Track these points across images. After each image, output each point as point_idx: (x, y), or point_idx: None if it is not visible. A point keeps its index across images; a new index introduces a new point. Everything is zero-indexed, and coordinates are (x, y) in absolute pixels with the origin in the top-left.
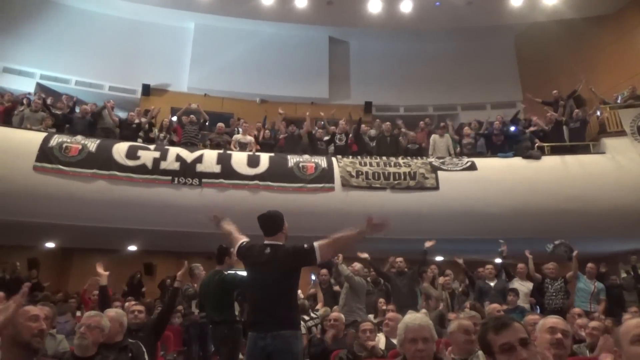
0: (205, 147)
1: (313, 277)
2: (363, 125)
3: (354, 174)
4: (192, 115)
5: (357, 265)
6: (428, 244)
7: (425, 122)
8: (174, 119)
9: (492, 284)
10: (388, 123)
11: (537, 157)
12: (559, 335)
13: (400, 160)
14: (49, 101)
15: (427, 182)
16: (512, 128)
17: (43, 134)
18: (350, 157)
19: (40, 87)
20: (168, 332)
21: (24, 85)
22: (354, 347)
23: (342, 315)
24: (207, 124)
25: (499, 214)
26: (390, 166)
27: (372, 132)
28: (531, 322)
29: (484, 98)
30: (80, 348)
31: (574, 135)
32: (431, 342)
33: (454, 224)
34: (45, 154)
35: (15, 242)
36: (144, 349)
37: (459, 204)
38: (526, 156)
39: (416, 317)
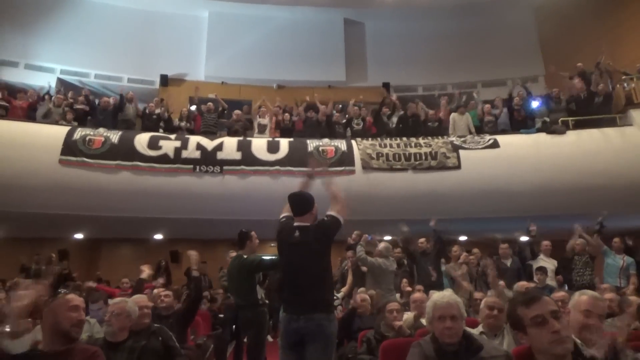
0: (228, 134)
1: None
2: (384, 108)
3: (374, 156)
4: (210, 104)
5: (381, 246)
6: (432, 223)
7: (446, 99)
8: (193, 108)
9: (507, 263)
10: (412, 104)
11: (562, 132)
12: (594, 321)
13: (421, 140)
14: (69, 95)
15: (448, 161)
16: (536, 103)
17: (66, 128)
18: (370, 139)
19: (60, 82)
20: (197, 317)
21: (46, 81)
22: (380, 328)
23: (368, 296)
24: (225, 112)
25: (522, 191)
26: (410, 147)
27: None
28: (560, 299)
29: (504, 74)
30: (109, 334)
31: (600, 108)
32: (460, 319)
33: (476, 203)
34: (70, 147)
35: (46, 234)
36: (171, 333)
37: (482, 183)
38: (550, 131)
39: (444, 295)
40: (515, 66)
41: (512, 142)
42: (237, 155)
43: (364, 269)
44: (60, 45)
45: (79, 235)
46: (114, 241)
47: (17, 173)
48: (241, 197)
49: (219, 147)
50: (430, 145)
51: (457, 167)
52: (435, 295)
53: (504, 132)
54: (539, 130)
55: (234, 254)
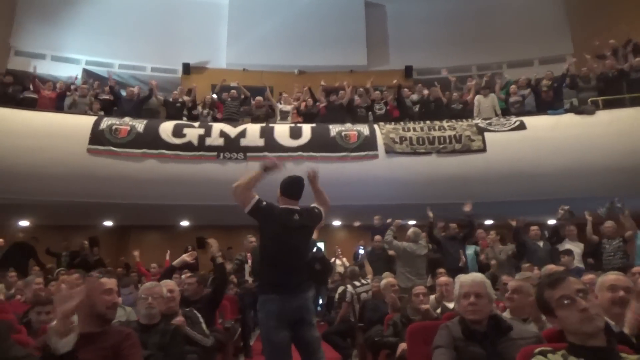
0: (251, 121)
1: (361, 251)
2: (405, 90)
3: (397, 140)
4: (232, 91)
5: (409, 231)
6: (467, 207)
7: (472, 82)
8: (215, 96)
9: (540, 244)
10: (435, 88)
11: (591, 112)
12: (622, 293)
13: (445, 123)
14: (95, 86)
15: (473, 144)
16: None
17: (93, 118)
18: (393, 123)
19: (86, 73)
20: (224, 302)
21: (72, 72)
22: (407, 311)
23: (395, 280)
24: (247, 99)
25: (550, 174)
26: (434, 130)
27: (414, 96)
28: (587, 282)
29: (530, 54)
30: (149, 317)
31: (634, 87)
32: (485, 298)
33: (502, 186)
34: (97, 136)
35: (76, 222)
36: (199, 316)
37: (508, 166)
38: (579, 112)
39: (471, 274)
40: (542, 45)
41: (539, 124)
42: (260, 142)
43: (392, 252)
44: (85, 37)
45: (108, 223)
46: (142, 228)
47: (47, 162)
48: (264, 183)
49: (242, 133)
50: (454, 128)
51: (483, 150)
52: (463, 275)
53: (530, 113)
54: (567, 111)
55: (253, 239)
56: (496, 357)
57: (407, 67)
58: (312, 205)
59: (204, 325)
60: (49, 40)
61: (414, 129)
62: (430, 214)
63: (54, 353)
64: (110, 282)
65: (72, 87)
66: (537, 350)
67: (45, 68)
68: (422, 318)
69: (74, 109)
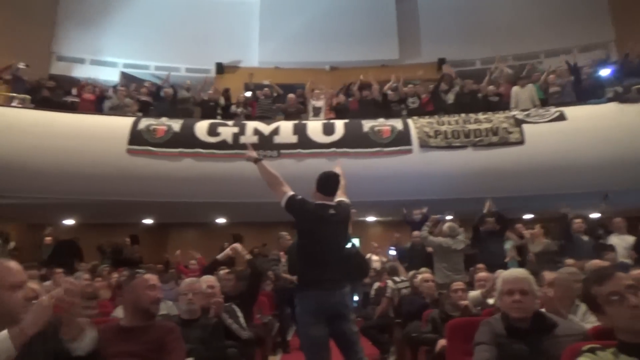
0: (284, 118)
1: (392, 252)
2: (443, 84)
3: (432, 134)
4: (266, 89)
5: (445, 225)
6: (486, 207)
7: (506, 72)
8: (248, 94)
9: (585, 238)
10: (470, 80)
11: (636, 101)
12: None
13: (481, 116)
14: (133, 87)
15: (511, 136)
16: (607, 72)
17: (132, 119)
18: (427, 117)
19: (123, 76)
20: (262, 297)
21: (110, 75)
22: (445, 307)
23: (431, 275)
24: (279, 96)
25: (592, 165)
26: (470, 123)
27: (456, 88)
28: (636, 277)
29: (569, 41)
30: (189, 312)
31: None
32: (530, 295)
33: (542, 179)
34: (136, 136)
35: (117, 220)
36: (238, 311)
37: (548, 158)
38: (623, 100)
39: (514, 270)
40: (582, 32)
41: (580, 114)
42: (294, 139)
43: (430, 249)
44: (122, 40)
45: (148, 221)
46: (180, 225)
47: (88, 163)
48: (298, 180)
49: (276, 131)
50: (491, 121)
51: (521, 142)
52: (505, 271)
53: (570, 103)
54: (610, 100)
55: (288, 237)
56: (540, 355)
57: (440, 59)
58: (339, 199)
59: (242, 320)
60: (88, 45)
61: (449, 123)
62: (487, 205)
63: (72, 355)
64: (153, 278)
65: (112, 89)
66: (586, 347)
67: (85, 72)
68: (462, 314)
69: (114, 110)
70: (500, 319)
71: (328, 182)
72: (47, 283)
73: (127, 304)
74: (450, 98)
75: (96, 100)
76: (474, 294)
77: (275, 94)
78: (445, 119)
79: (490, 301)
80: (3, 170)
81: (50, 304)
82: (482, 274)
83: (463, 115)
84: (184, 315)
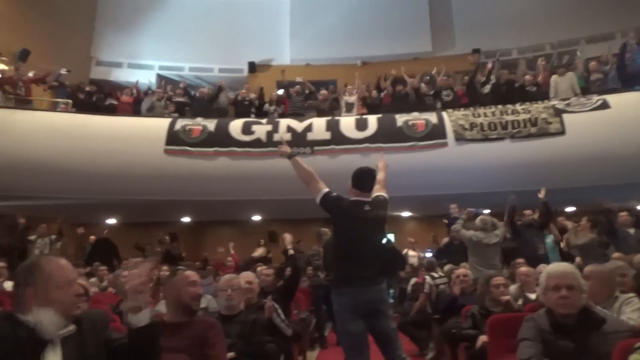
0: (317, 114)
1: (428, 255)
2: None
3: (467, 126)
4: (297, 86)
5: (477, 219)
6: (542, 194)
7: (544, 61)
8: (281, 92)
9: (631, 232)
10: (506, 70)
11: None
12: None
13: (519, 106)
14: (168, 89)
15: (550, 127)
16: None
17: (168, 120)
18: (462, 109)
19: (159, 77)
20: (299, 294)
21: (146, 77)
22: (485, 303)
23: (469, 271)
24: (311, 94)
25: (638, 155)
26: (507, 114)
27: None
28: None
29: (612, 26)
30: (229, 308)
31: None
32: (577, 290)
33: (584, 170)
34: (173, 137)
35: (157, 218)
36: (277, 307)
37: (590, 148)
38: None
39: (560, 265)
40: (626, 15)
41: (624, 102)
42: (327, 135)
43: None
44: (157, 43)
45: (186, 219)
46: (217, 223)
47: (128, 164)
48: (332, 176)
49: (309, 128)
50: (529, 111)
51: (561, 132)
52: (550, 266)
53: (614, 90)
54: None
55: (328, 232)
56: (587, 351)
57: (475, 50)
58: (376, 194)
59: (282, 316)
60: (125, 49)
61: (485, 114)
62: (513, 199)
63: (132, 328)
64: (193, 275)
65: (149, 91)
66: (638, 344)
67: (123, 75)
68: (504, 310)
69: (151, 111)
70: (544, 315)
71: (363, 178)
72: (93, 280)
73: (169, 300)
74: (486, 89)
75: (134, 102)
76: (515, 289)
77: (307, 91)
78: (481, 110)
79: (532, 296)
80: (49, 173)
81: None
82: (523, 269)
83: (500, 106)
84: (224, 311)
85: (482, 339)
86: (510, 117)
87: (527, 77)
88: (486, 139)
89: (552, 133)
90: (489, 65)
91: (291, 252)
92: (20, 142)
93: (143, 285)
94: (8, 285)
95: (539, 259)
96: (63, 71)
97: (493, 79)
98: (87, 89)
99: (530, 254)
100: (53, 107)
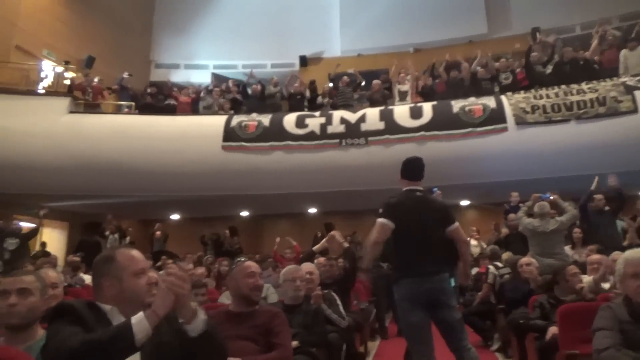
0: (370, 105)
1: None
2: (534, 54)
3: (528, 109)
4: (344, 77)
5: (535, 206)
6: (612, 181)
7: (611, 35)
8: (332, 84)
9: None
10: (569, 48)
11: None
12: None
13: (584, 85)
14: (223, 87)
15: (621, 105)
16: None
17: (224, 117)
18: (523, 92)
19: (214, 76)
20: (359, 284)
21: (203, 77)
22: (555, 292)
23: (534, 260)
24: (362, 84)
25: None
26: (572, 94)
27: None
28: None
29: None
30: (294, 298)
31: None
32: None
33: None
34: (229, 133)
35: (217, 213)
36: (337, 298)
37: None
38: None
39: (638, 251)
40: None
41: None
42: (381, 125)
43: None
44: (211, 44)
45: (244, 213)
46: (274, 217)
47: (187, 161)
48: (387, 167)
49: (362, 118)
50: (596, 90)
51: (633, 111)
52: (628, 252)
53: None
54: None
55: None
56: None
57: (534, 29)
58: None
59: (341, 308)
60: (182, 51)
61: (548, 96)
62: (595, 183)
63: (189, 338)
64: (252, 266)
65: (205, 90)
66: None
67: (181, 76)
68: (576, 298)
69: (208, 110)
70: (622, 304)
71: (412, 168)
72: (161, 272)
73: (231, 291)
74: (548, 69)
75: (192, 102)
76: (588, 278)
77: (357, 81)
78: (544, 92)
79: (606, 285)
80: (116, 172)
81: (176, 286)
82: (595, 257)
83: (563, 86)
84: (288, 301)
85: (553, 330)
86: (575, 98)
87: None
88: (550, 122)
89: (622, 112)
90: (551, 39)
91: (345, 244)
92: (90, 144)
93: (185, 295)
94: (86, 278)
95: (613, 246)
96: (126, 75)
97: (556, 57)
98: (148, 91)
99: (603, 241)
100: (118, 110)
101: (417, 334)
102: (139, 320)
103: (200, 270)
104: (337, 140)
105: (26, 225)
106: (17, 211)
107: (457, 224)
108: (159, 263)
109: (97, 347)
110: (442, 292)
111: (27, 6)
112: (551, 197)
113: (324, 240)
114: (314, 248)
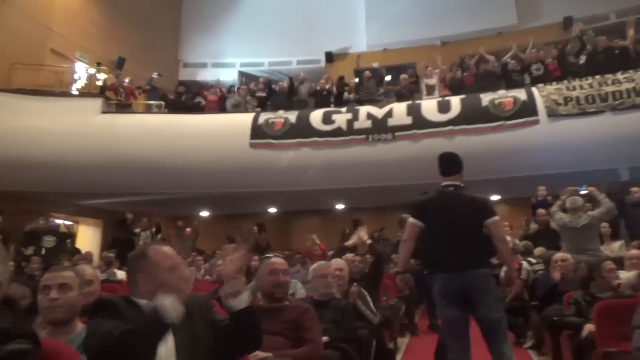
0: (397, 99)
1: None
2: (568, 47)
3: (561, 101)
4: (367, 72)
5: (567, 199)
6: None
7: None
8: (358, 79)
9: None
10: (603, 37)
11: None
12: None
13: (620, 75)
14: (251, 85)
15: None
16: None
17: (252, 114)
18: (555, 83)
19: (241, 74)
20: (387, 280)
21: (229, 75)
22: (590, 288)
23: (569, 255)
24: (386, 78)
25: None
26: (607, 85)
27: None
28: None
29: None
30: (325, 294)
31: None
32: None
33: None
34: (257, 131)
35: (245, 210)
36: (366, 294)
37: None
38: None
39: None
40: None
41: None
42: (408, 120)
43: (554, 225)
44: (237, 42)
45: (272, 209)
46: (302, 213)
47: (216, 158)
48: (415, 162)
49: (389, 113)
50: (632, 80)
51: None
52: None
53: None
54: None
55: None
56: None
57: (566, 18)
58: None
59: (371, 304)
60: (209, 50)
61: (581, 87)
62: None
63: (232, 311)
64: (276, 263)
65: (232, 88)
66: None
67: (208, 75)
68: (615, 295)
69: (236, 108)
70: None
71: (443, 162)
72: (192, 268)
73: (259, 287)
74: (581, 59)
75: (219, 100)
76: (628, 274)
77: (381, 76)
78: (577, 83)
79: None
80: (146, 170)
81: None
82: (634, 252)
83: (598, 77)
84: (318, 297)
85: (589, 327)
86: (610, 88)
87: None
88: (583, 113)
89: None
90: (577, 29)
91: (369, 240)
92: (122, 143)
93: (238, 270)
94: (119, 273)
95: None
96: (155, 75)
97: (589, 47)
98: (177, 90)
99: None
100: (147, 110)
101: (450, 330)
102: (164, 297)
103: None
104: (364, 136)
105: (63, 222)
106: (53, 209)
107: (495, 217)
108: (189, 259)
109: (135, 335)
110: (474, 289)
111: (61, 11)
112: (587, 190)
113: (363, 232)
114: (346, 243)
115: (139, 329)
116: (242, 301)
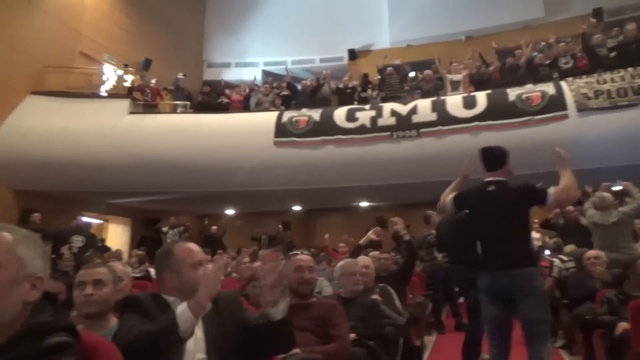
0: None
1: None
2: (597, 36)
3: (591, 95)
4: (389, 68)
5: (596, 196)
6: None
7: None
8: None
9: None
10: (634, 25)
11: None
12: None
13: None
14: (275, 84)
15: None
16: None
17: (276, 113)
18: (584, 76)
19: (264, 73)
20: (414, 278)
21: (252, 75)
22: (624, 287)
23: (602, 253)
24: (409, 75)
25: None
26: (639, 77)
27: (610, 42)
28: None
29: None
30: (353, 292)
31: None
32: None
33: None
34: (281, 129)
35: (270, 208)
36: (393, 292)
37: None
38: None
39: None
40: None
41: None
42: (433, 116)
43: (584, 221)
44: (260, 41)
45: (296, 207)
46: (326, 211)
47: (240, 157)
48: (440, 158)
49: (414, 110)
50: None
51: None
52: None
53: None
54: None
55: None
56: None
57: (595, 9)
58: (539, 184)
59: (397, 302)
60: (232, 50)
61: (613, 80)
62: None
63: (271, 320)
64: (302, 260)
65: (256, 87)
66: None
67: (232, 74)
68: None
69: (259, 106)
70: None
71: (482, 157)
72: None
73: (289, 284)
74: (610, 51)
75: (243, 99)
76: None
77: (404, 72)
78: (608, 76)
79: None
80: (173, 169)
81: (216, 277)
82: None
83: (630, 69)
84: (346, 294)
85: (623, 326)
86: None
87: None
88: (615, 107)
89: None
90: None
91: (407, 237)
92: (149, 143)
93: (278, 280)
94: (153, 271)
95: None
96: (180, 76)
97: (621, 37)
98: (202, 90)
99: None
100: (173, 110)
101: (490, 329)
102: (182, 311)
103: (256, 264)
104: (388, 133)
105: (92, 221)
106: (84, 208)
107: (550, 192)
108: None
109: (148, 339)
110: (517, 289)
111: (90, 15)
112: (621, 186)
113: (371, 232)
114: (360, 242)
115: (154, 333)
116: (280, 312)
